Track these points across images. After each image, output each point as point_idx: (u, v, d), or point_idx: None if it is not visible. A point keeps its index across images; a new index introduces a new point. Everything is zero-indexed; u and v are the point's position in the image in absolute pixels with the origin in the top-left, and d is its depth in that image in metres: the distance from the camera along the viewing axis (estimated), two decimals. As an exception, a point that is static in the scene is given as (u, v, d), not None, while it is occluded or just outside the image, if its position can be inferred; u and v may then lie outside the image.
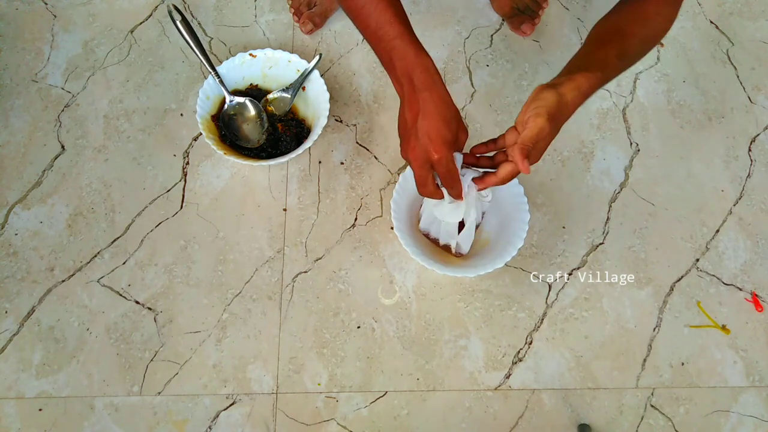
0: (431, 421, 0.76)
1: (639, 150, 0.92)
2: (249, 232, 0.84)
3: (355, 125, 0.91)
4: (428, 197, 0.65)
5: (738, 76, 0.97)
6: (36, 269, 0.81)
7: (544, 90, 0.59)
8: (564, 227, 0.86)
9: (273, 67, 0.88)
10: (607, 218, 0.87)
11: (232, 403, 0.76)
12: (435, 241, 0.79)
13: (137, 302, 0.80)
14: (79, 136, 0.88)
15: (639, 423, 0.78)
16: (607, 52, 0.63)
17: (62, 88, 0.91)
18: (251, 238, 0.83)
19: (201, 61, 0.83)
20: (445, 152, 0.59)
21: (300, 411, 0.76)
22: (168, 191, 0.86)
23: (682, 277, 0.85)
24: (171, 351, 0.78)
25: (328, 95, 0.84)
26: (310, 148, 0.85)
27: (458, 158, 0.64)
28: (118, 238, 0.83)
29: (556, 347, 0.80)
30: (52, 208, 0.84)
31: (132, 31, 0.96)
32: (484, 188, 0.66)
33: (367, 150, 0.89)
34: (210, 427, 0.75)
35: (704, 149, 0.92)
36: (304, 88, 0.88)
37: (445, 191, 0.65)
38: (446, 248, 0.79)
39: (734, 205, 0.89)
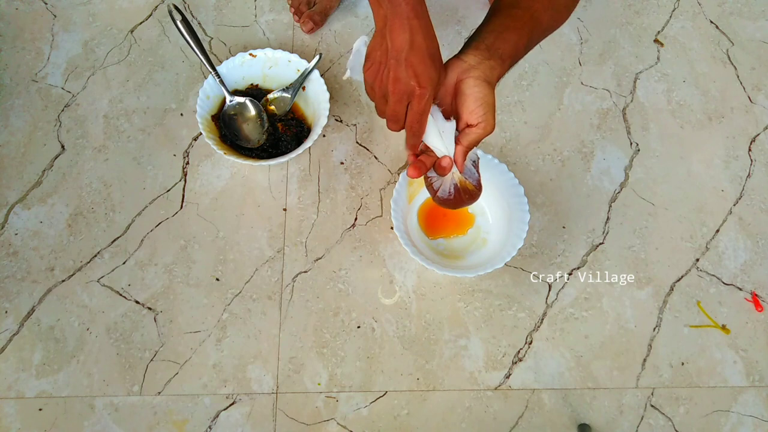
0: (431, 421, 0.76)
1: (639, 150, 0.92)
2: (249, 232, 0.84)
3: (355, 125, 0.91)
4: (394, 131, 0.59)
5: (738, 76, 0.97)
6: (36, 269, 0.81)
7: (483, 87, 0.57)
8: (564, 227, 0.86)
9: (273, 66, 0.88)
10: (607, 218, 0.87)
11: (232, 403, 0.76)
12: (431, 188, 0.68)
13: (137, 302, 0.80)
14: (79, 136, 0.88)
15: (639, 423, 0.78)
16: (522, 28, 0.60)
17: (62, 88, 0.91)
18: (251, 238, 0.83)
19: (201, 60, 0.83)
20: (429, 91, 0.54)
21: (300, 411, 0.76)
22: (168, 191, 0.86)
23: (682, 277, 0.85)
24: (171, 351, 0.78)
25: (328, 95, 0.84)
26: (310, 148, 0.85)
27: (436, 109, 0.59)
28: (118, 238, 0.83)
29: (556, 347, 0.80)
30: (52, 208, 0.84)
31: (132, 31, 0.96)
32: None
33: (367, 150, 0.89)
34: (210, 427, 0.75)
35: (704, 149, 0.92)
36: (304, 88, 0.88)
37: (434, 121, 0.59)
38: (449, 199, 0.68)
39: (734, 205, 0.89)
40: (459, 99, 0.58)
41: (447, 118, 0.60)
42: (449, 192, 0.65)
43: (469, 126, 0.58)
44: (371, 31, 0.98)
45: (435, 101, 0.59)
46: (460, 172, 0.62)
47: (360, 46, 0.60)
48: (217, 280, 0.81)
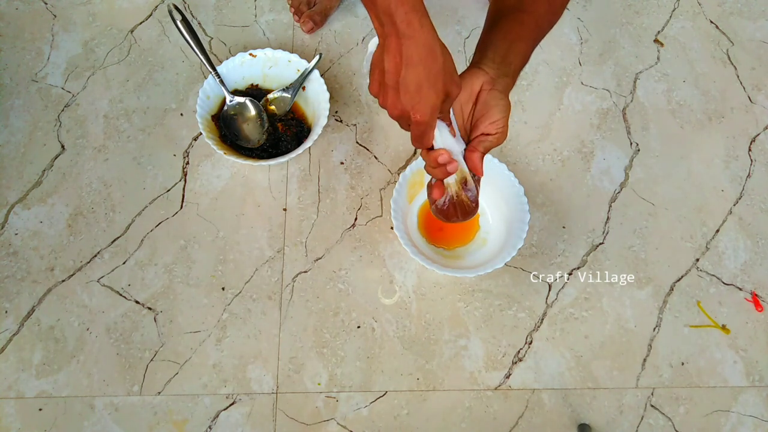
0: (431, 421, 0.76)
1: (639, 150, 0.92)
2: (249, 232, 0.84)
3: (355, 125, 0.91)
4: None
5: (738, 76, 0.97)
6: (36, 269, 0.81)
7: (507, 101, 0.58)
8: (564, 227, 0.86)
9: (273, 66, 0.88)
10: (607, 218, 0.87)
11: (232, 403, 0.76)
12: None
13: (137, 302, 0.80)
14: (79, 136, 0.88)
15: (639, 423, 0.78)
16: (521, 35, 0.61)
17: (62, 88, 0.91)
18: (251, 238, 0.83)
19: (201, 60, 0.83)
20: (427, 117, 0.51)
21: (300, 411, 0.76)
22: (168, 191, 0.86)
23: (682, 277, 0.85)
24: (171, 351, 0.78)
25: (328, 95, 0.84)
26: (310, 147, 0.85)
27: (442, 127, 0.57)
28: (118, 238, 0.83)
29: (556, 347, 0.80)
30: (52, 208, 0.84)
31: (132, 31, 0.96)
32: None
33: (367, 150, 0.89)
34: (210, 427, 0.75)
35: (704, 149, 0.92)
36: (304, 88, 0.88)
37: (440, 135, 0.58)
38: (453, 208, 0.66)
39: (734, 205, 0.89)
40: (481, 107, 0.58)
41: (451, 127, 0.59)
42: (444, 203, 0.64)
43: (485, 134, 0.59)
44: (372, 30, 0.98)
45: (441, 116, 0.58)
46: (480, 175, 0.61)
47: (374, 48, 0.58)
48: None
